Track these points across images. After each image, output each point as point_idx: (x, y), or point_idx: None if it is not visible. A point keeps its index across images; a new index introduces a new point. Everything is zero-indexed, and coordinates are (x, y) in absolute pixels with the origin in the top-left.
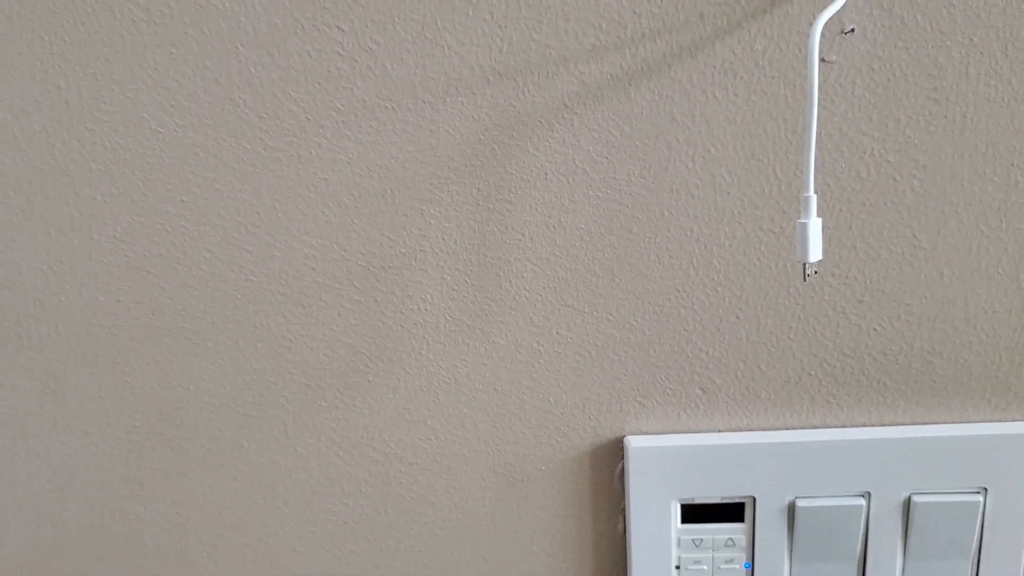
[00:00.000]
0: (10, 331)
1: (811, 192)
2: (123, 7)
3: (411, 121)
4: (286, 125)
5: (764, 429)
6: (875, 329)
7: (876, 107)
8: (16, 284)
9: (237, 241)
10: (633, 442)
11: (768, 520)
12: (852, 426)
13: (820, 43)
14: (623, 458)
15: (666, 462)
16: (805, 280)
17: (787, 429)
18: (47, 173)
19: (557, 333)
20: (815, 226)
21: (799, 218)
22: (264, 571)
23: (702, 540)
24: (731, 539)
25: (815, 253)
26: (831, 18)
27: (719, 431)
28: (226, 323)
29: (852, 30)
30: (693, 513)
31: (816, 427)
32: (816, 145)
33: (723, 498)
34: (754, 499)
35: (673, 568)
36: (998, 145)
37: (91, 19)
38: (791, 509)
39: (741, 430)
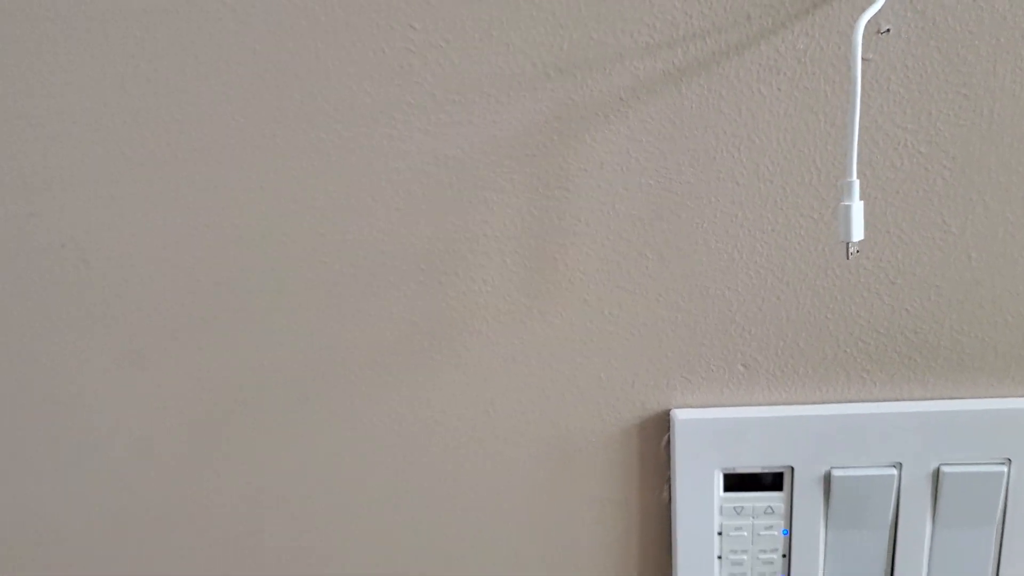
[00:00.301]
0: (98, 310)
1: (854, 177)
2: (210, 6)
3: (477, 114)
4: (360, 117)
5: (802, 403)
6: (907, 309)
7: (909, 102)
8: (104, 265)
9: (312, 226)
10: (679, 415)
11: (805, 489)
12: (885, 400)
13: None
14: (669, 430)
15: (710, 434)
16: (848, 258)
17: (824, 403)
18: (135, 161)
19: (609, 313)
20: (858, 208)
21: (842, 201)
22: (329, 536)
23: (743, 507)
24: (770, 507)
25: (858, 233)
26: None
27: (760, 405)
28: (299, 302)
29: (888, 30)
30: (735, 482)
31: (851, 401)
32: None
33: (763, 468)
34: (792, 469)
35: (715, 534)
36: (1023, 137)
37: (179, 17)
38: (827, 478)
39: (780, 404)
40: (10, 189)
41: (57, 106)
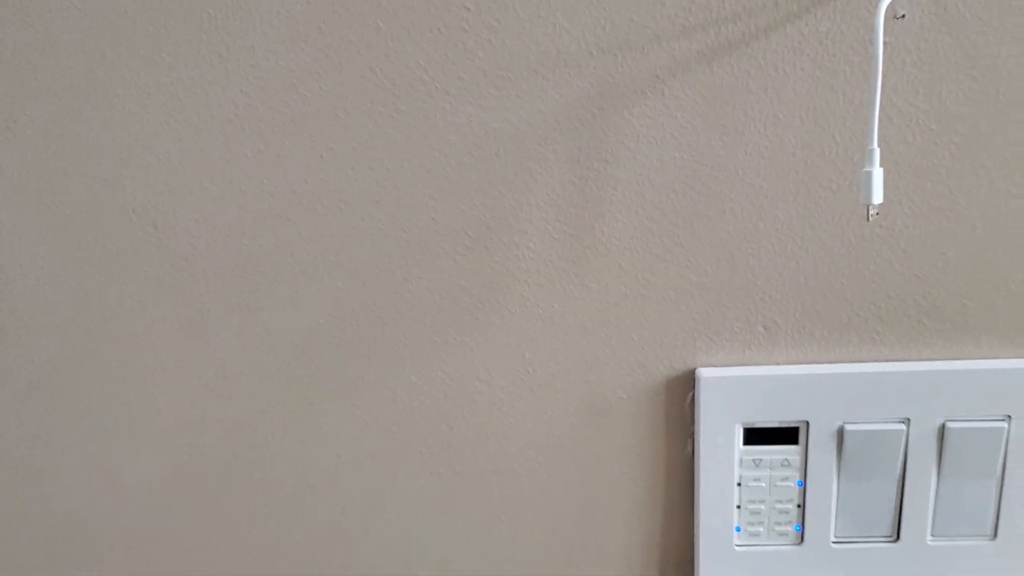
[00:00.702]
0: (165, 273)
1: (875, 145)
2: None
3: (524, 89)
4: (416, 92)
5: (818, 362)
6: (917, 276)
7: (922, 82)
8: (171, 231)
9: (368, 194)
10: (703, 373)
11: (820, 443)
12: (895, 360)
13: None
14: (694, 387)
15: (732, 391)
16: (868, 220)
17: (838, 363)
18: (205, 132)
19: (642, 278)
20: (878, 174)
21: (864, 167)
22: (376, 489)
23: (761, 460)
24: (787, 459)
25: (878, 197)
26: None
27: (779, 364)
28: (355, 267)
29: (903, 16)
30: (754, 436)
31: (864, 361)
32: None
33: (780, 423)
34: (808, 424)
35: (735, 485)
36: None
37: None
38: (840, 433)
39: (798, 363)
40: (85, 157)
41: (130, 79)
